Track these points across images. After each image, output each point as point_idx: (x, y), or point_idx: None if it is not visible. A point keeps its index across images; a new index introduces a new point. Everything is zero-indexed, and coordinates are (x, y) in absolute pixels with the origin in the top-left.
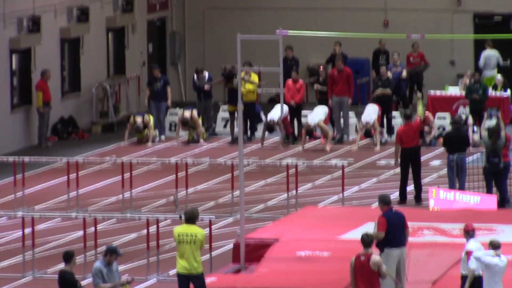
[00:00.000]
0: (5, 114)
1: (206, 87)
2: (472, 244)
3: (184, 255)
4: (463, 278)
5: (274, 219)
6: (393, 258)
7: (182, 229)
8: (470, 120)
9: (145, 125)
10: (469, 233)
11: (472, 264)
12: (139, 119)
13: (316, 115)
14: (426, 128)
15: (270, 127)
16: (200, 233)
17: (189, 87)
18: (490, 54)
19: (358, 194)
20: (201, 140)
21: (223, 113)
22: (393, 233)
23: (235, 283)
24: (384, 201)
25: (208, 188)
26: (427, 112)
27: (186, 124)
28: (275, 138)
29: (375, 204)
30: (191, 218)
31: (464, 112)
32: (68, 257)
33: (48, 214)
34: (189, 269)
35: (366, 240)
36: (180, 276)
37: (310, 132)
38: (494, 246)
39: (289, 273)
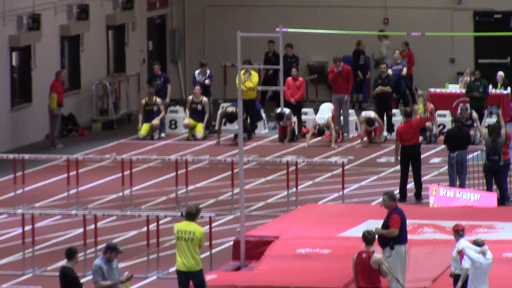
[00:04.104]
0: (5, 111)
1: (207, 81)
2: (464, 244)
3: (182, 252)
4: (455, 276)
5: (274, 217)
6: (403, 254)
7: (181, 226)
8: (475, 115)
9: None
10: (459, 232)
11: (466, 263)
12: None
13: (324, 112)
14: (428, 124)
15: (279, 116)
16: (198, 231)
17: (189, 85)
18: (389, 44)
19: (358, 191)
20: (199, 135)
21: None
22: (404, 229)
23: (235, 281)
24: (393, 197)
25: (208, 186)
26: (430, 103)
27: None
28: (275, 136)
29: (375, 202)
30: (190, 215)
31: (466, 106)
32: (70, 254)
33: (48, 211)
34: (187, 266)
35: (368, 238)
36: (178, 272)
37: (321, 131)
38: (478, 244)
39: (289, 271)
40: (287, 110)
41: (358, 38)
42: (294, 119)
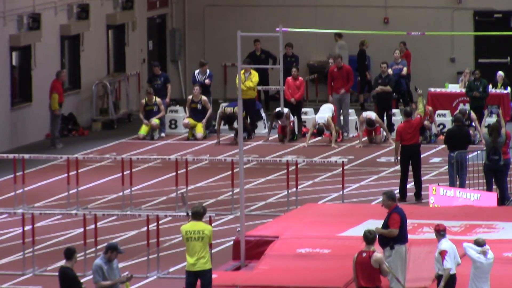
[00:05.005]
0: (5, 111)
1: (207, 81)
2: (446, 244)
3: (193, 252)
4: (438, 277)
5: (274, 216)
6: (403, 254)
7: (189, 226)
8: (473, 115)
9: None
10: (440, 232)
11: (448, 263)
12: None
13: (324, 112)
14: (426, 123)
15: (278, 114)
16: (207, 229)
17: (189, 84)
18: (344, 44)
19: (358, 191)
20: (199, 135)
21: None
22: (404, 229)
23: (235, 280)
24: (392, 197)
25: (208, 185)
26: (428, 106)
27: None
28: (275, 135)
29: (375, 201)
30: (197, 214)
31: (465, 108)
32: (69, 253)
33: (48, 211)
34: (198, 265)
35: (369, 237)
36: (189, 273)
37: (321, 131)
38: (479, 244)
39: (289, 271)
40: (285, 110)
41: (358, 38)
42: (293, 118)
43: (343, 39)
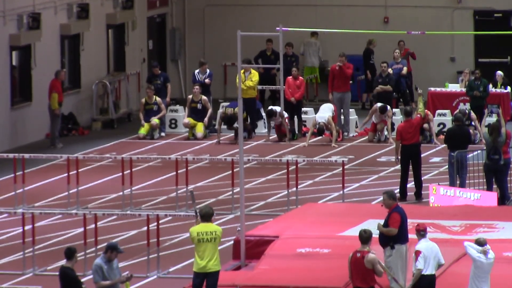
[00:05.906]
0: (5, 110)
1: (207, 80)
2: (422, 244)
3: (205, 253)
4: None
5: (274, 216)
6: (404, 254)
7: (200, 227)
8: (473, 114)
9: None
10: (420, 232)
11: (419, 264)
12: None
13: (324, 112)
14: (425, 126)
15: (270, 113)
16: (218, 230)
17: (189, 84)
18: (312, 42)
19: (358, 191)
20: (199, 135)
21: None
22: (404, 228)
23: (235, 280)
24: (393, 196)
25: (208, 185)
26: (428, 112)
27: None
28: (275, 135)
29: (376, 201)
30: (208, 216)
31: (464, 108)
32: (70, 253)
33: (48, 210)
34: (209, 266)
35: (363, 236)
36: (197, 274)
37: (321, 130)
38: (480, 243)
39: (289, 270)
40: (278, 108)
41: (358, 37)
42: (287, 115)
43: (318, 38)
